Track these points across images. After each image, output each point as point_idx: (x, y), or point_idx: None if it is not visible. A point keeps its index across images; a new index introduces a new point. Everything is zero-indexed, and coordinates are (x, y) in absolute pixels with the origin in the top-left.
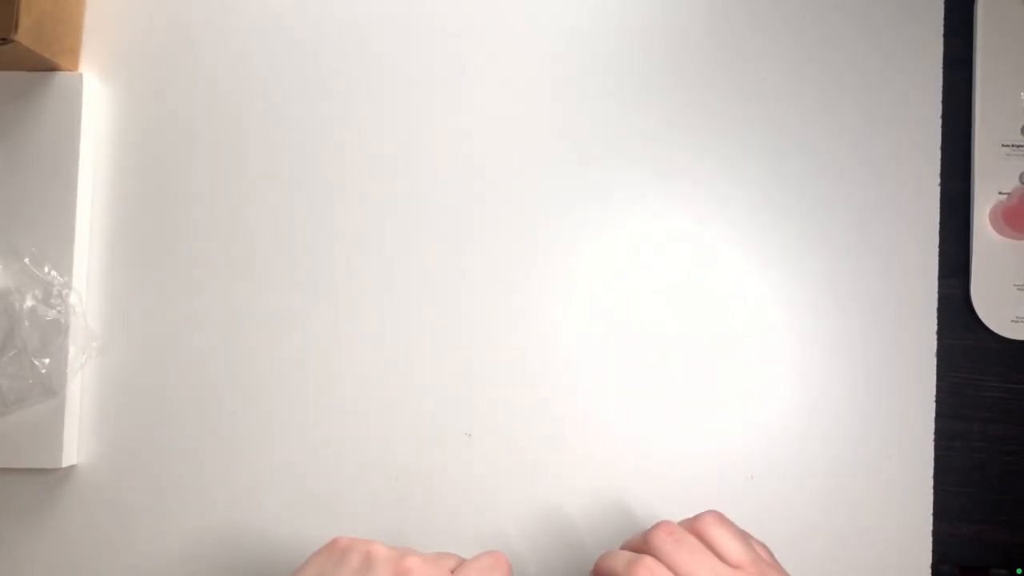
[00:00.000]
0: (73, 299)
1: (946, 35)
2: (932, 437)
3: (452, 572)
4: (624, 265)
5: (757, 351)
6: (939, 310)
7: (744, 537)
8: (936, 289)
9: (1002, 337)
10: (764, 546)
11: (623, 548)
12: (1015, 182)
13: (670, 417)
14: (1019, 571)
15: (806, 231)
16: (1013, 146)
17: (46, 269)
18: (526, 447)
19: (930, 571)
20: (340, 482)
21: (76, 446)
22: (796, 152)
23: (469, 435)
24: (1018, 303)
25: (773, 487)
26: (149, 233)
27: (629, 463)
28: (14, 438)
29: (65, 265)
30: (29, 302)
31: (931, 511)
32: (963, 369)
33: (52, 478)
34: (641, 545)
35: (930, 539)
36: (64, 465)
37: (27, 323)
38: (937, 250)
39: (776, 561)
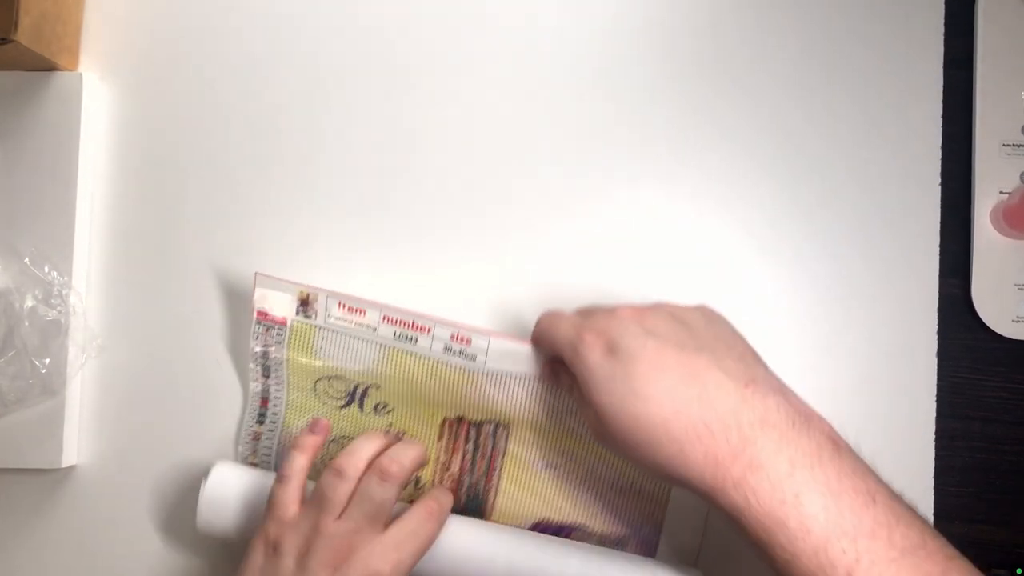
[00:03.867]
0: (73, 299)
1: (946, 35)
2: (932, 437)
3: (386, 528)
4: (622, 268)
5: (757, 351)
6: (939, 310)
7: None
8: (936, 289)
9: (1002, 337)
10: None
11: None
12: (1016, 182)
13: None
14: (1019, 571)
15: (806, 231)
16: (1013, 146)
17: (46, 269)
18: None
19: None
20: None
21: (76, 446)
22: (796, 152)
23: None
24: (1018, 303)
25: None
26: (149, 233)
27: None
28: (14, 438)
29: (65, 265)
30: (29, 302)
31: (931, 511)
32: (963, 369)
33: (52, 478)
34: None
35: None
36: (64, 465)
37: (27, 323)
38: (937, 250)
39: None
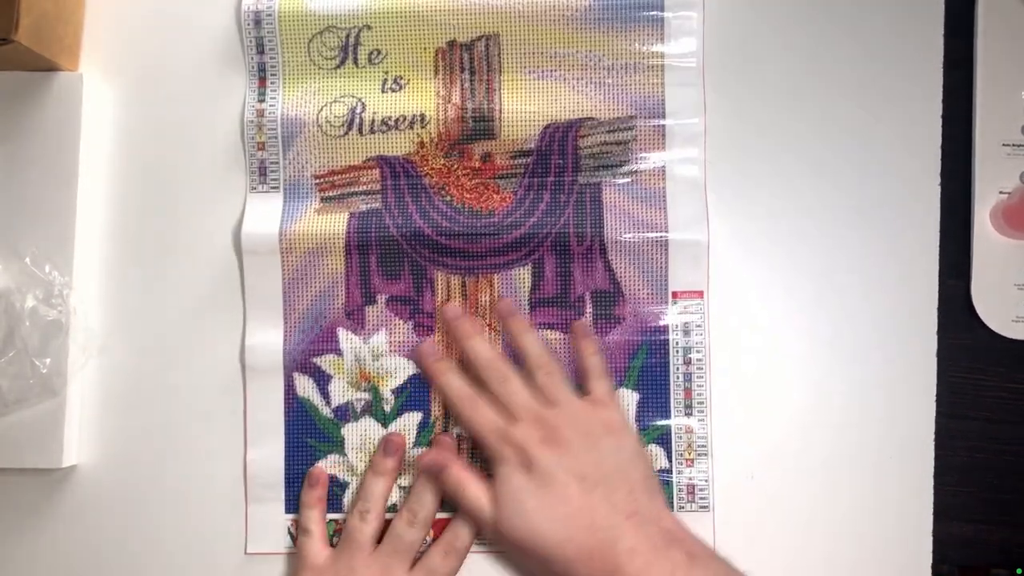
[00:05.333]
0: (73, 299)
1: (946, 35)
2: (932, 437)
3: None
4: None
5: (757, 350)
6: (939, 310)
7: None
8: (936, 289)
9: (1003, 337)
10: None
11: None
12: (1015, 182)
13: None
14: (1019, 571)
15: (806, 231)
16: (1013, 146)
17: (46, 269)
18: None
19: (930, 571)
20: None
21: (76, 446)
22: (796, 152)
23: None
24: (1018, 303)
25: (773, 486)
26: (149, 233)
27: None
28: (14, 438)
29: (65, 265)
30: (29, 302)
31: (931, 511)
32: (963, 369)
33: (52, 478)
34: None
35: (930, 539)
36: (64, 465)
37: (27, 323)
38: (937, 250)
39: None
